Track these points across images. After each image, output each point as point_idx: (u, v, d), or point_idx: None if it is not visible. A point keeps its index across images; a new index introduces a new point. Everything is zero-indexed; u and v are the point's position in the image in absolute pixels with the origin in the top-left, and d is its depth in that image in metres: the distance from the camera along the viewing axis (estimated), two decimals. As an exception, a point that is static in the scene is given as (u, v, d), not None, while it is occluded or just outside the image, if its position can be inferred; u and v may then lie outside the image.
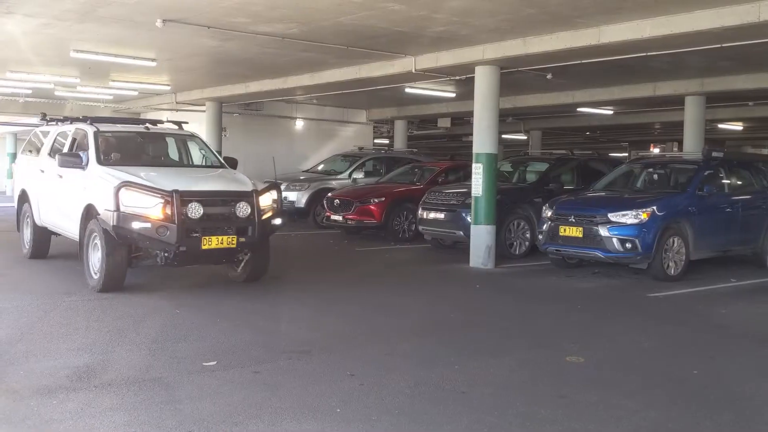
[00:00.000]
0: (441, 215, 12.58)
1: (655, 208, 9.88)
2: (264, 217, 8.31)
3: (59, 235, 9.94)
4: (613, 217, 9.88)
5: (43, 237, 10.38)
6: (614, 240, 9.77)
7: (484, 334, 6.78)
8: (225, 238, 7.98)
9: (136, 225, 7.70)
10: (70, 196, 8.99)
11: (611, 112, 21.15)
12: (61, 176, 9.24)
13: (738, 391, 5.24)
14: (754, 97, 17.20)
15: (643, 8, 8.83)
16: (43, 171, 10.03)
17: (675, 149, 22.59)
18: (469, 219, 11.64)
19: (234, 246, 8.07)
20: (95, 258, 8.25)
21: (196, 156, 10.35)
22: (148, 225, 7.71)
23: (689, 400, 4.96)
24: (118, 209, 7.71)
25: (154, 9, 9.39)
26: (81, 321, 6.78)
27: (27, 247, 10.69)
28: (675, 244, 10.01)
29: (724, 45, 9.84)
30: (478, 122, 11.75)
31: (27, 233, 10.71)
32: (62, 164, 8.84)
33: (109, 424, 4.28)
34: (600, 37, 9.80)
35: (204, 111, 19.31)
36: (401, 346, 6.21)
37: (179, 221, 7.71)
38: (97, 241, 8.13)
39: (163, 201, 7.78)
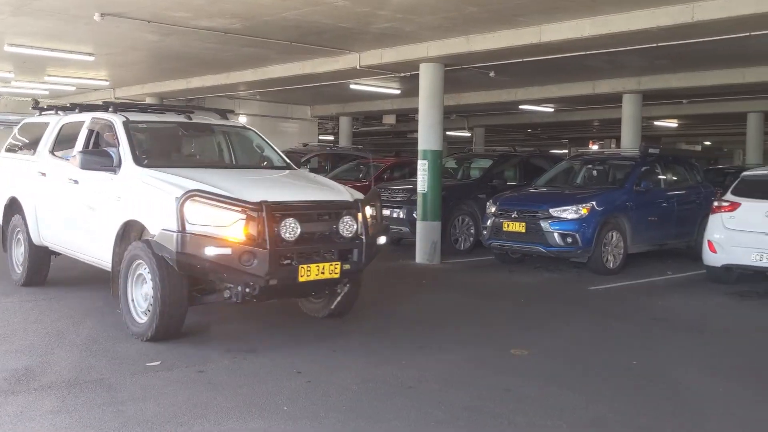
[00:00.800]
0: (386, 212, 12.63)
1: (594, 203, 10.11)
2: (371, 235, 6.37)
3: (59, 254, 7.95)
4: (554, 212, 10.08)
5: (42, 259, 8.12)
6: (555, 235, 9.96)
7: (431, 329, 6.84)
8: (327, 265, 6.00)
9: (210, 251, 5.59)
10: (93, 208, 6.81)
11: (552, 110, 21.53)
12: (76, 181, 7.11)
13: (676, 380, 5.40)
14: (688, 95, 17.74)
15: (582, 8, 9.01)
16: (44, 174, 7.83)
17: (613, 146, 23.17)
18: (414, 215, 11.72)
19: (337, 276, 6.12)
20: (140, 294, 6.16)
21: (250, 153, 8.14)
22: (228, 251, 5.62)
23: (629, 391, 5.10)
24: (183, 229, 5.61)
25: (92, 2, 9.17)
26: (18, 323, 6.57)
27: (18, 271, 8.33)
28: (614, 238, 10.27)
29: (659, 44, 10.12)
30: (423, 119, 11.82)
31: (18, 254, 8.39)
32: (85, 165, 6.62)
33: (49, 427, 4.17)
34: (541, 36, 9.97)
35: (144, 107, 18.90)
36: (348, 343, 6.21)
37: (271, 245, 5.70)
38: (143, 272, 6.03)
39: (245, 217, 5.72)
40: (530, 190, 11.44)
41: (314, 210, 6.15)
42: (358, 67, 12.57)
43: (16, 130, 9.35)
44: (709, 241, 9.38)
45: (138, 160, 6.57)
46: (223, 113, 8.30)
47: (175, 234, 5.63)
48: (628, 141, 15.95)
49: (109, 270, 6.50)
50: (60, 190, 7.50)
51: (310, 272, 5.90)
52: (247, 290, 5.89)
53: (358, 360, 5.69)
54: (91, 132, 7.41)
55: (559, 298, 8.68)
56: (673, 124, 25.35)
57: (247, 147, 8.10)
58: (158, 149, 7.43)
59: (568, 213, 10.02)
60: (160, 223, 5.83)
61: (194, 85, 16.37)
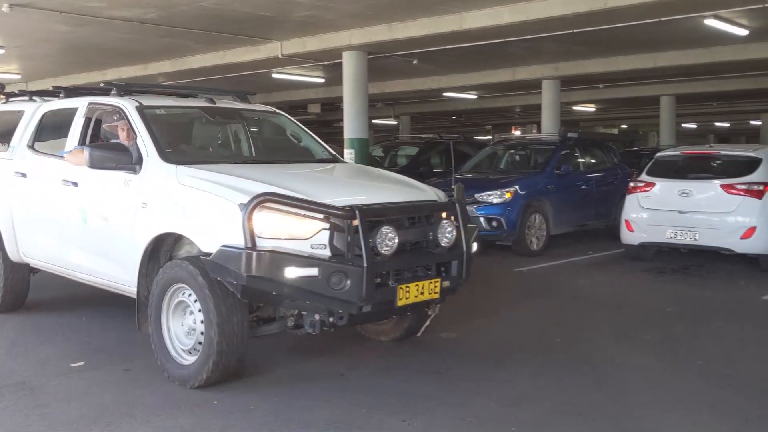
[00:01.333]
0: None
1: (517, 187, 10.34)
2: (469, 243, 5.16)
3: (38, 271, 6.74)
4: (479, 197, 10.26)
5: (21, 278, 6.72)
6: (481, 219, 10.15)
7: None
8: (426, 284, 4.80)
9: (292, 272, 4.38)
10: (106, 217, 5.45)
11: (475, 97, 21.87)
12: (74, 183, 5.74)
13: (597, 355, 5.61)
14: (604, 80, 18.31)
15: (500, -5, 9.18)
16: (23, 174, 6.40)
17: (534, 131, 23.69)
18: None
19: (437, 296, 4.92)
20: (180, 327, 4.91)
21: (287, 143, 6.77)
22: (315, 271, 4.41)
23: (553, 367, 5.27)
24: (253, 245, 4.36)
25: (-1, -8, 8.79)
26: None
27: None
28: (537, 221, 10.53)
29: (575, 31, 10.41)
30: (348, 108, 11.84)
31: None
32: (96, 163, 5.19)
33: (-33, 435, 4.02)
34: (462, 24, 10.11)
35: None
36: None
37: (368, 261, 4.47)
38: (185, 299, 4.80)
39: (329, 226, 4.51)
40: (456, 176, 11.60)
41: (411, 214, 4.93)
42: (280, 56, 12.48)
43: None
44: (626, 221, 9.72)
45: (165, 156, 5.16)
46: (243, 95, 6.69)
47: (243, 253, 4.33)
48: (548, 126, 16.37)
49: (127, 294, 5.27)
50: (49, 194, 6.09)
51: (409, 293, 4.70)
52: (331, 319, 4.66)
53: (290, 353, 5.67)
54: (88, 121, 5.99)
55: (485, 281, 8.85)
56: (590, 108, 26.12)
57: (281, 136, 6.74)
58: (183, 141, 6.02)
59: (493, 198, 10.22)
60: (215, 238, 4.51)
61: (110, 77, 15.93)
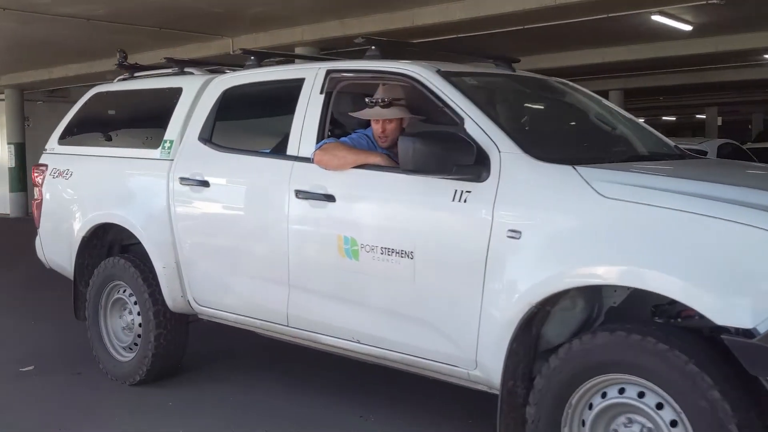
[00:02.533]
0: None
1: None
2: None
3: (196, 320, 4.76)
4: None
5: (181, 334, 4.74)
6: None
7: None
8: None
9: None
10: (408, 255, 3.34)
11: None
12: (328, 197, 3.67)
13: None
14: (555, 75, 18.51)
15: (453, -8, 9.25)
16: (203, 183, 4.31)
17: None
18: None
19: None
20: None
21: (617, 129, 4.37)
22: None
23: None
24: None
25: (-62, -13, 8.52)
26: None
27: (125, 358, 4.83)
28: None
29: (526, 27, 10.54)
30: (302, 104, 11.73)
31: (117, 329, 4.93)
32: (420, 164, 3.15)
33: None
34: (414, 20, 10.15)
35: (3, 99, 17.79)
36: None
37: None
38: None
39: None
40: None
41: None
42: (231, 52, 12.34)
43: (78, 107, 5.53)
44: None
45: (532, 151, 3.18)
46: (509, 62, 4.45)
47: None
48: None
49: (461, 383, 3.34)
50: (262, 212, 4.05)
51: None
52: None
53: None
54: (327, 101, 3.91)
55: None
56: (542, 103, 26.37)
57: (594, 116, 4.49)
58: (521, 126, 4.05)
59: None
60: (745, 301, 2.45)
61: (57, 75, 15.56)
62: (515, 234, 2.99)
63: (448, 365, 3.27)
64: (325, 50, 11.95)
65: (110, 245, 5.18)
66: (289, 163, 3.90)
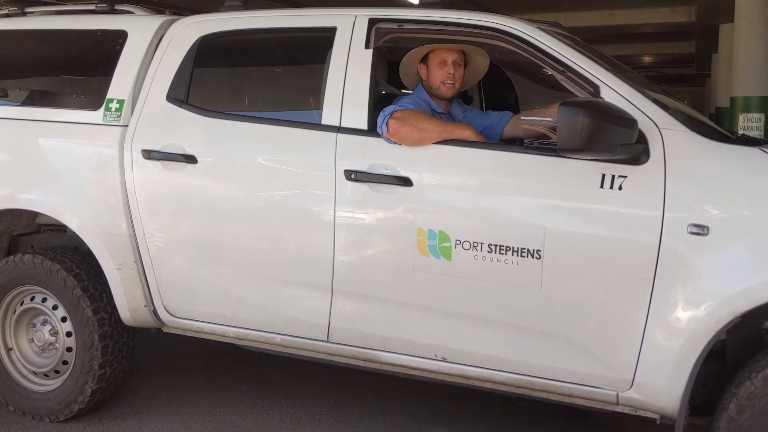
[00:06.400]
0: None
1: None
2: None
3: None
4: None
5: (128, 351, 3.63)
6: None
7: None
8: None
9: None
10: (534, 254, 2.66)
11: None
12: (403, 180, 2.85)
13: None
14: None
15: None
16: (189, 158, 3.22)
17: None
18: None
19: None
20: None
21: None
22: None
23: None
24: None
25: None
26: None
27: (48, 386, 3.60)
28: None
29: None
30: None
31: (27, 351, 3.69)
32: (596, 141, 2.43)
33: None
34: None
35: None
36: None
37: None
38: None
39: None
40: None
41: None
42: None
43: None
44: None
45: (689, 125, 2.66)
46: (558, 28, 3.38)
47: None
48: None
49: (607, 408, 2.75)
50: (299, 202, 3.11)
51: None
52: None
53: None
54: (376, 58, 3.05)
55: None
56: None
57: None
58: None
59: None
60: None
61: None
62: (700, 229, 2.47)
63: (587, 386, 2.70)
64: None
65: (-4, 238, 3.85)
66: (330, 135, 3.02)
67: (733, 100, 10.54)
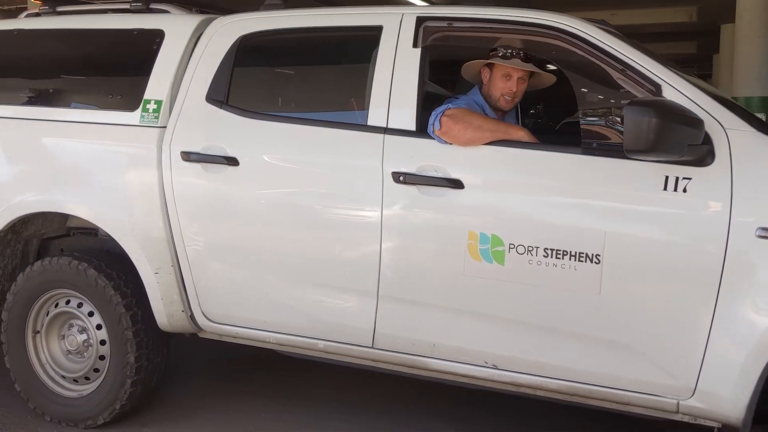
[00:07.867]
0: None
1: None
2: None
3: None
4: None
5: (161, 358, 3.56)
6: None
7: None
8: None
9: None
10: (593, 258, 2.59)
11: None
12: (453, 182, 2.78)
13: None
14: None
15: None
16: (230, 160, 3.13)
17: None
18: None
19: None
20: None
21: None
22: None
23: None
24: None
25: None
26: None
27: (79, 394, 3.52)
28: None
29: None
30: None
31: (57, 354, 3.61)
32: (661, 143, 2.35)
33: None
34: None
35: None
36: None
37: None
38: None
39: None
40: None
41: None
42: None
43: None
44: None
45: (755, 125, 2.61)
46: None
47: None
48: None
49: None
50: (344, 205, 3.04)
51: None
52: None
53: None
54: (424, 57, 2.98)
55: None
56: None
57: None
58: None
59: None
60: None
61: None
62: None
63: (647, 395, 2.62)
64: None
65: (26, 242, 3.77)
66: (376, 136, 2.95)
67: (734, 100, 10.48)
